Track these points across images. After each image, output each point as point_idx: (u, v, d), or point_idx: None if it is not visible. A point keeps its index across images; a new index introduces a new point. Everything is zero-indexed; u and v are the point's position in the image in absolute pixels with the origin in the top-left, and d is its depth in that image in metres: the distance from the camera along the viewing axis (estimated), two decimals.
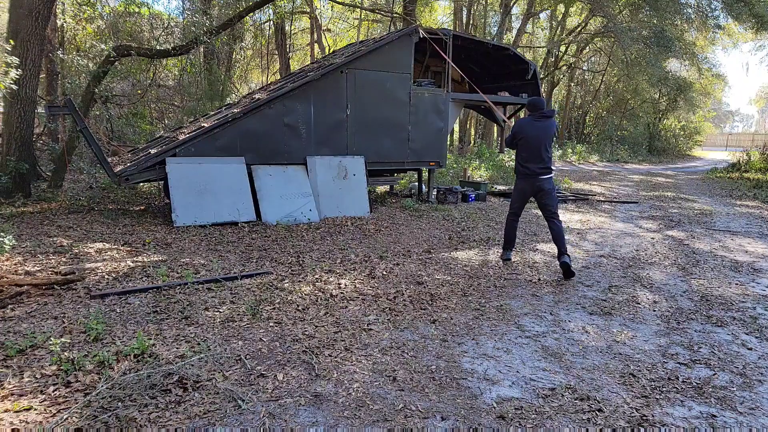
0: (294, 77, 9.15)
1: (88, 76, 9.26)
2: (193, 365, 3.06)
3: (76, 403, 2.62)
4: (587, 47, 29.04)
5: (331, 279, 4.91)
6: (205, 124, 7.42)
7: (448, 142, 16.20)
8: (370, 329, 3.78)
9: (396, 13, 14.89)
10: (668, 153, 33.02)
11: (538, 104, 5.60)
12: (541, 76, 24.59)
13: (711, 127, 52.00)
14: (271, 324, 3.78)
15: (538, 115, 5.54)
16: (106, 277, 4.63)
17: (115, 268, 4.88)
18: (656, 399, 2.96)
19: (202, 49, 13.78)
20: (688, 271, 5.81)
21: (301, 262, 5.46)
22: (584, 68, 32.88)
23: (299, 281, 4.80)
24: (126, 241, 5.91)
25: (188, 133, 7.35)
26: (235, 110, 7.70)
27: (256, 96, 8.36)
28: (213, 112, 9.14)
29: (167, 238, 6.18)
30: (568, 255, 5.44)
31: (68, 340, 3.31)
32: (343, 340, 3.56)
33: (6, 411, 2.54)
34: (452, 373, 3.17)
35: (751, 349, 3.73)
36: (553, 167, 5.58)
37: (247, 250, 5.84)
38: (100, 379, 2.85)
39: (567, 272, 5.37)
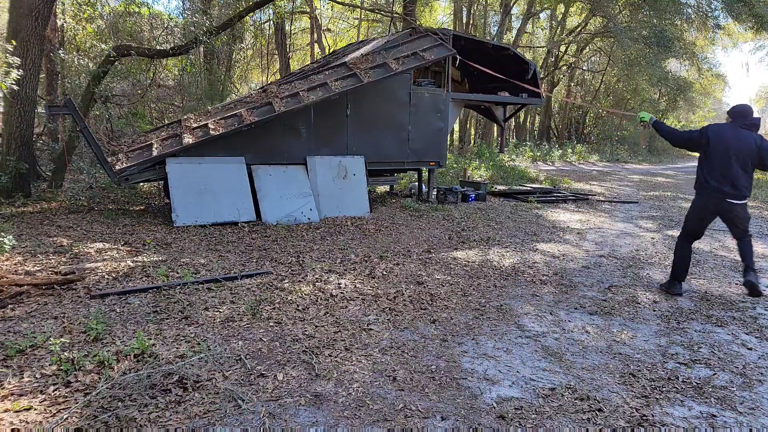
0: (296, 77, 9.14)
1: (88, 76, 9.25)
2: (193, 365, 3.06)
3: (76, 403, 2.62)
4: (587, 47, 29.03)
5: (331, 279, 4.91)
6: (211, 126, 7.35)
7: (448, 142, 16.20)
8: (370, 329, 3.78)
9: (396, 13, 14.90)
10: (668, 153, 33.01)
11: (745, 111, 4.64)
12: (541, 76, 24.60)
13: None
14: (271, 324, 3.78)
15: (746, 124, 4.60)
16: (106, 277, 4.63)
17: (115, 268, 4.88)
18: (656, 399, 2.96)
19: (202, 49, 13.77)
20: (688, 271, 5.80)
21: (301, 262, 5.46)
22: (584, 68, 32.87)
23: (299, 281, 4.80)
24: (126, 241, 5.91)
25: (194, 138, 7.31)
26: (242, 111, 7.64)
27: (271, 90, 8.22)
28: (217, 110, 9.03)
29: (167, 238, 6.18)
30: (755, 271, 4.72)
31: (68, 340, 3.31)
32: (343, 340, 3.56)
33: (6, 411, 2.54)
34: (452, 373, 3.17)
35: (751, 349, 3.73)
36: (747, 193, 4.61)
37: (247, 250, 5.84)
38: (100, 379, 2.85)
39: (752, 291, 4.71)
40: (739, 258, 6.43)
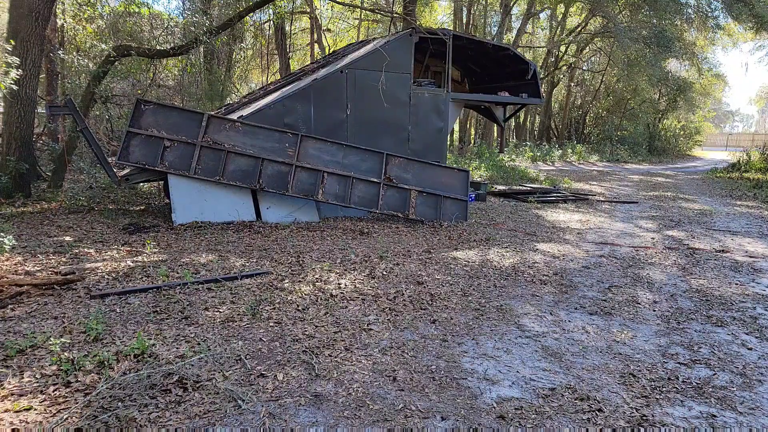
0: (295, 77, 9.13)
1: (88, 76, 9.26)
2: (193, 365, 3.06)
3: (76, 403, 2.62)
4: (587, 47, 29.04)
5: (331, 279, 4.91)
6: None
7: (448, 142, 16.21)
8: (370, 329, 3.78)
9: (396, 13, 14.91)
10: (668, 153, 33.01)
11: None
12: (541, 76, 24.62)
13: (711, 127, 52.02)
14: (271, 324, 3.78)
15: None
16: (106, 277, 4.63)
17: (115, 268, 4.88)
18: (656, 399, 2.96)
19: (202, 49, 13.78)
20: (688, 271, 5.81)
21: (301, 262, 5.46)
22: (584, 68, 32.88)
23: (299, 281, 4.80)
24: (126, 241, 5.92)
25: None
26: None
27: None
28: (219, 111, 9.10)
29: (167, 238, 6.18)
30: None
31: (68, 340, 3.31)
32: (343, 340, 3.56)
33: (6, 411, 2.54)
34: (452, 373, 3.16)
35: (751, 349, 3.73)
36: None
37: (247, 250, 5.84)
38: (100, 379, 2.85)
39: None
40: (739, 258, 6.45)
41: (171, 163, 6.85)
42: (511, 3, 23.65)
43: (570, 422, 2.69)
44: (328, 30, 24.47)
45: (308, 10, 22.10)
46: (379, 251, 6.03)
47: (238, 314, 3.92)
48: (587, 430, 2.62)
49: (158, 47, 11.54)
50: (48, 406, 2.60)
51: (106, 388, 2.75)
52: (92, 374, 2.89)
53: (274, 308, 4.09)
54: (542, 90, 13.94)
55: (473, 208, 9.56)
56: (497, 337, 3.78)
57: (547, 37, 29.65)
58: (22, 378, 2.85)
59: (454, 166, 9.31)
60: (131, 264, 5.02)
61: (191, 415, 2.58)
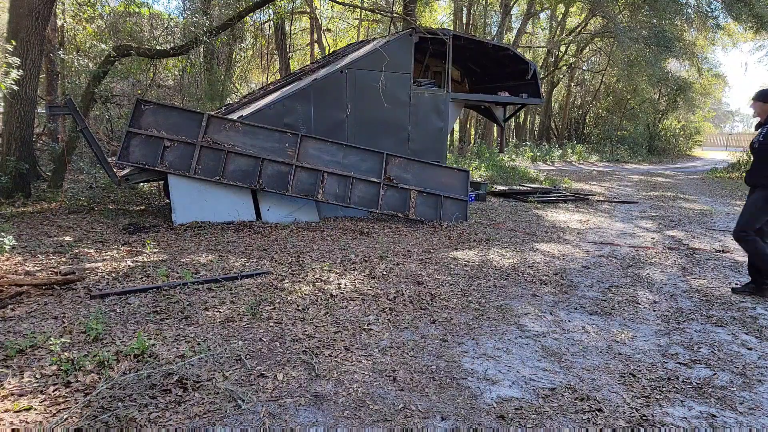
0: (295, 77, 9.13)
1: (88, 76, 9.26)
2: (193, 365, 3.06)
3: (76, 403, 2.62)
4: (587, 47, 29.05)
5: (331, 279, 4.91)
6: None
7: (448, 142, 16.21)
8: (370, 329, 3.78)
9: (396, 13, 14.90)
10: (668, 153, 33.04)
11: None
12: (541, 76, 24.63)
13: (711, 127, 52.07)
14: (271, 324, 3.78)
15: None
16: (106, 277, 4.63)
17: (115, 268, 4.88)
18: (656, 399, 2.96)
19: (202, 49, 13.78)
20: (688, 271, 5.81)
21: (301, 262, 5.46)
22: (584, 68, 32.88)
23: (299, 281, 4.80)
24: (126, 241, 5.92)
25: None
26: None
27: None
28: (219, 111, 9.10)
29: (167, 238, 6.18)
30: None
31: (68, 340, 3.31)
32: (343, 340, 3.56)
33: (6, 411, 2.54)
34: (452, 373, 3.16)
35: (751, 349, 3.72)
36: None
37: (247, 250, 5.84)
38: (100, 379, 2.85)
39: None
40: (739, 258, 6.45)
41: (171, 163, 6.85)
42: (511, 3, 23.66)
43: (570, 422, 2.69)
44: (328, 30, 24.47)
45: (308, 10, 22.11)
46: (379, 251, 6.03)
47: (238, 314, 3.92)
48: (587, 430, 2.62)
49: (158, 47, 11.55)
50: (48, 406, 2.60)
51: (106, 388, 2.75)
52: (92, 374, 2.89)
53: (274, 308, 4.09)
54: (542, 90, 13.93)
55: (473, 208, 9.56)
56: (497, 337, 3.78)
57: (547, 37, 29.66)
58: (22, 378, 2.85)
59: (454, 166, 9.31)
60: (131, 264, 5.02)
61: (191, 415, 2.58)
